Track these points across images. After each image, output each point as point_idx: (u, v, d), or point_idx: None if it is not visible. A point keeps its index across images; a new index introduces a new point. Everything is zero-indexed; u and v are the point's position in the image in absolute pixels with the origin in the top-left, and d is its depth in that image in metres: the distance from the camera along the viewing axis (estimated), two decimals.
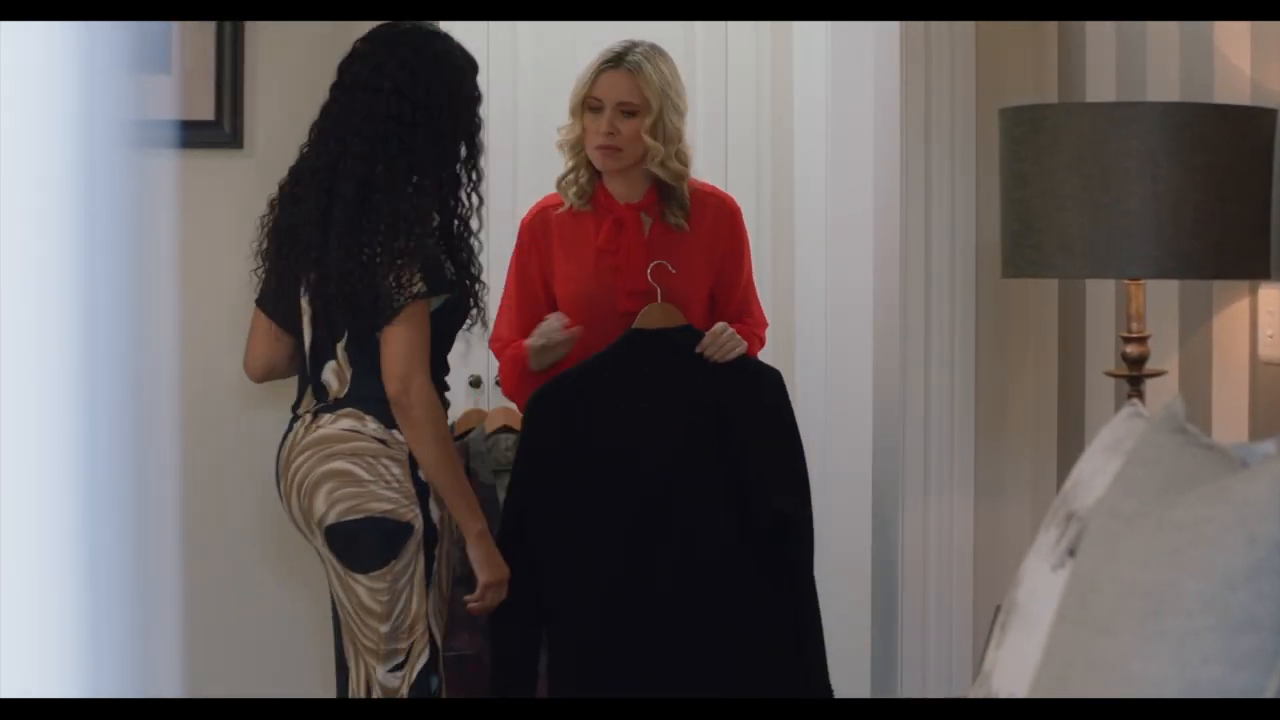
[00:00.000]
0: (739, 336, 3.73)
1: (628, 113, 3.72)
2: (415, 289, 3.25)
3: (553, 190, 3.87)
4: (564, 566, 3.57)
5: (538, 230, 3.82)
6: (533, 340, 3.73)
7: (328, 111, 3.41)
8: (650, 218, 3.80)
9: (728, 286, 3.86)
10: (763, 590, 3.66)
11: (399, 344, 3.27)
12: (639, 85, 3.72)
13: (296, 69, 3.82)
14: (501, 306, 3.82)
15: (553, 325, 3.72)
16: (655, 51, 3.79)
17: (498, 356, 3.88)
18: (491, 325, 3.67)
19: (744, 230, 3.92)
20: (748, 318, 3.90)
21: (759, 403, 3.71)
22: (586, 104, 3.74)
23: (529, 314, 3.78)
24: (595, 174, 3.80)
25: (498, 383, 5.18)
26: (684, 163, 3.79)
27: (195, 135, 3.94)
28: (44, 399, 0.78)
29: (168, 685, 0.81)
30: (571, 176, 3.81)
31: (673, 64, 3.81)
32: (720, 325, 3.71)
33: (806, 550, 3.72)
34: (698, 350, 3.68)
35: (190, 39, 3.86)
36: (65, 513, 0.78)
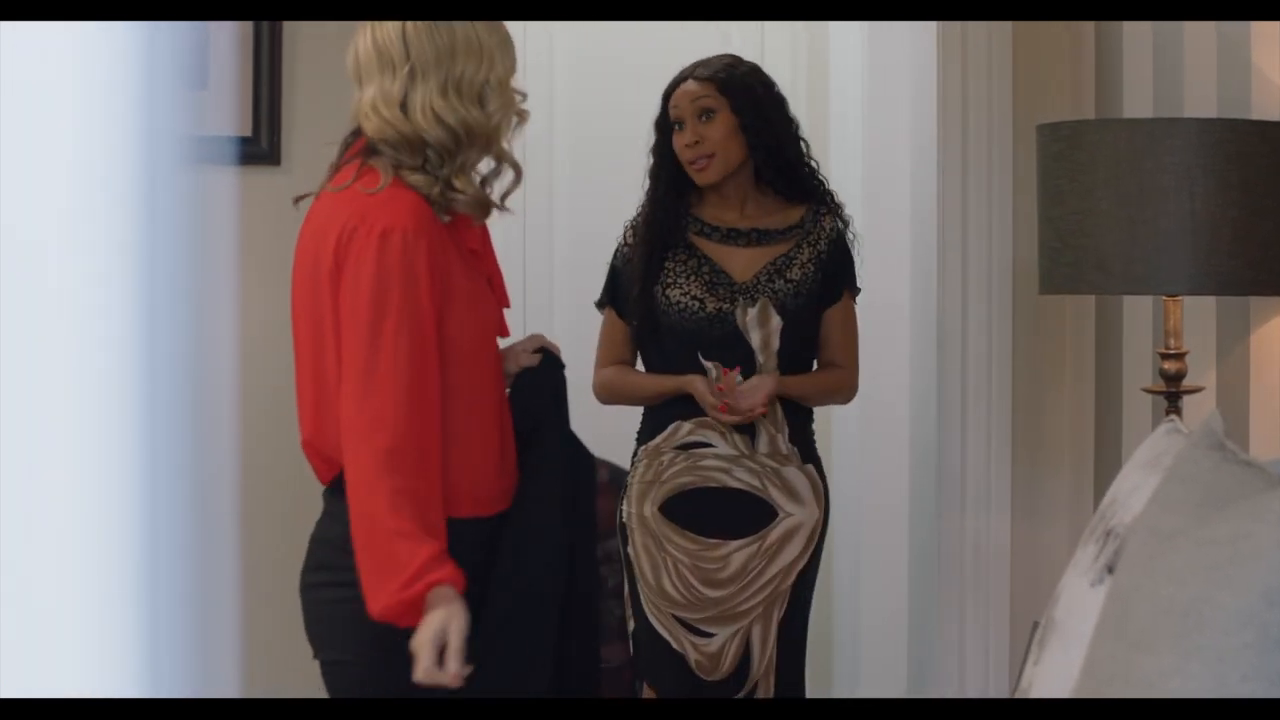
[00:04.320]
0: None
1: None
2: None
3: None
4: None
5: (431, 247, 2.68)
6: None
7: None
8: None
9: None
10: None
11: None
12: None
13: (334, 85, 3.84)
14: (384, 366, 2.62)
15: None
16: None
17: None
18: None
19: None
20: None
21: None
22: None
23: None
24: None
25: None
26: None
27: (232, 151, 3.97)
28: (105, 405, 0.79)
29: (225, 686, 0.83)
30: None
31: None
32: None
33: None
34: None
35: (227, 54, 3.88)
36: (125, 516, 0.80)
